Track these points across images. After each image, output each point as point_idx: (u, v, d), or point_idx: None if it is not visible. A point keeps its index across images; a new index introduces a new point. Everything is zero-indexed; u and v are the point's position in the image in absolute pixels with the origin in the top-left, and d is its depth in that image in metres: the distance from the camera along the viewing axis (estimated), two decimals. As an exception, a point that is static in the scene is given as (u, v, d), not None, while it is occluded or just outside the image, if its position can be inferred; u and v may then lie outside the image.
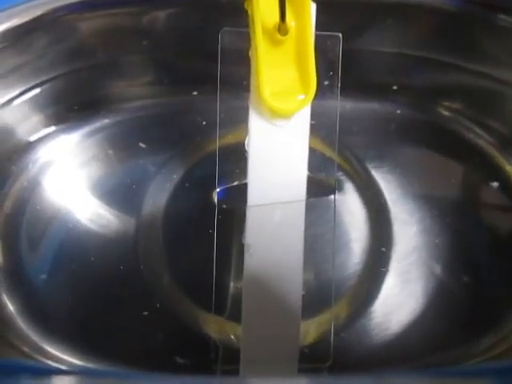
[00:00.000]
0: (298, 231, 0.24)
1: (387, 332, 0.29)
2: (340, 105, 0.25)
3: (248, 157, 0.24)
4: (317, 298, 0.28)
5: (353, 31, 0.30)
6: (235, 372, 0.24)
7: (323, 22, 0.23)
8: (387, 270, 0.30)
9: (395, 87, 0.33)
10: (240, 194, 0.25)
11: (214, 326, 0.27)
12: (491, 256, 0.31)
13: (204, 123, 0.33)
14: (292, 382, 0.16)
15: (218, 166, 0.26)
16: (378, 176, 0.32)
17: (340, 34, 0.25)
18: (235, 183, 0.28)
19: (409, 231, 0.31)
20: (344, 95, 0.26)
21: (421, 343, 0.28)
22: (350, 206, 0.31)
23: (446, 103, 0.33)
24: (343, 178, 0.32)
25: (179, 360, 0.27)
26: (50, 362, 0.27)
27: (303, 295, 0.24)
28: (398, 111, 0.34)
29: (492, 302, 0.29)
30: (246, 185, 0.24)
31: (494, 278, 0.30)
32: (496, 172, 0.32)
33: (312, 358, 0.26)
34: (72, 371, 0.26)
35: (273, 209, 0.24)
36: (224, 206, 0.27)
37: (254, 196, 0.24)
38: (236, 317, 0.25)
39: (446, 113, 0.33)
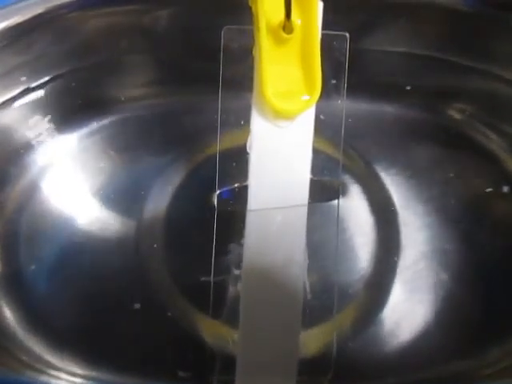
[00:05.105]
0: (299, 237, 0.24)
1: (394, 342, 0.28)
2: (347, 106, 0.25)
3: (249, 159, 0.23)
4: (319, 306, 0.27)
5: (361, 30, 0.30)
6: (231, 383, 0.24)
7: (330, 21, 0.23)
8: (394, 277, 0.29)
9: (408, 87, 0.32)
10: (241, 196, 0.25)
11: (212, 332, 0.27)
12: (503, 263, 0.30)
13: (206, 124, 0.32)
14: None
15: (218, 168, 0.25)
16: (387, 179, 0.32)
17: (347, 34, 0.24)
18: (236, 185, 0.27)
19: (418, 237, 0.30)
20: (352, 96, 0.25)
21: (429, 354, 0.28)
22: (357, 210, 0.31)
23: (458, 105, 0.33)
24: (350, 181, 0.31)
25: (180, 372, 0.27)
26: (49, 371, 0.26)
27: (305, 303, 0.24)
28: (408, 113, 0.33)
29: (503, 312, 0.29)
30: (246, 187, 0.24)
31: (506, 286, 0.29)
32: (508, 176, 0.31)
33: (312, 369, 0.25)
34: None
35: (274, 213, 0.24)
36: (224, 209, 0.27)
37: (254, 200, 0.24)
38: (234, 323, 0.25)
39: (457, 115, 0.33)
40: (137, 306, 0.28)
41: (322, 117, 0.24)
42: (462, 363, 0.27)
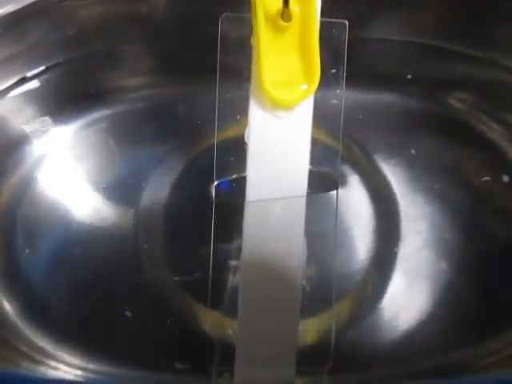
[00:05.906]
0: (298, 228, 0.23)
1: (393, 332, 0.28)
2: (346, 95, 0.25)
3: (247, 149, 0.23)
4: (318, 296, 0.27)
5: (361, 19, 0.29)
6: (231, 373, 0.24)
7: (329, 9, 0.22)
8: (394, 268, 0.29)
9: (409, 76, 0.32)
10: (239, 187, 0.24)
11: (211, 323, 0.27)
12: (503, 253, 0.30)
13: (204, 114, 0.32)
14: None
15: (216, 159, 0.25)
16: (386, 169, 0.31)
17: (346, 22, 0.24)
18: (234, 176, 0.27)
19: (418, 227, 0.30)
20: (351, 85, 0.25)
21: (428, 343, 0.28)
22: (357, 200, 0.31)
23: (459, 95, 0.32)
24: (349, 171, 0.31)
25: (178, 364, 0.27)
26: (48, 361, 0.26)
27: (303, 294, 0.24)
28: (408, 102, 0.33)
29: (503, 301, 0.29)
30: (245, 178, 0.24)
31: (506, 276, 0.29)
32: (508, 166, 0.31)
33: (311, 359, 0.25)
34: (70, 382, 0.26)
35: (272, 204, 0.23)
36: (222, 200, 0.27)
37: (252, 191, 0.23)
38: (233, 314, 0.25)
39: (458, 104, 0.32)
40: (135, 296, 0.28)
41: (320, 106, 0.24)
42: (462, 353, 0.27)
